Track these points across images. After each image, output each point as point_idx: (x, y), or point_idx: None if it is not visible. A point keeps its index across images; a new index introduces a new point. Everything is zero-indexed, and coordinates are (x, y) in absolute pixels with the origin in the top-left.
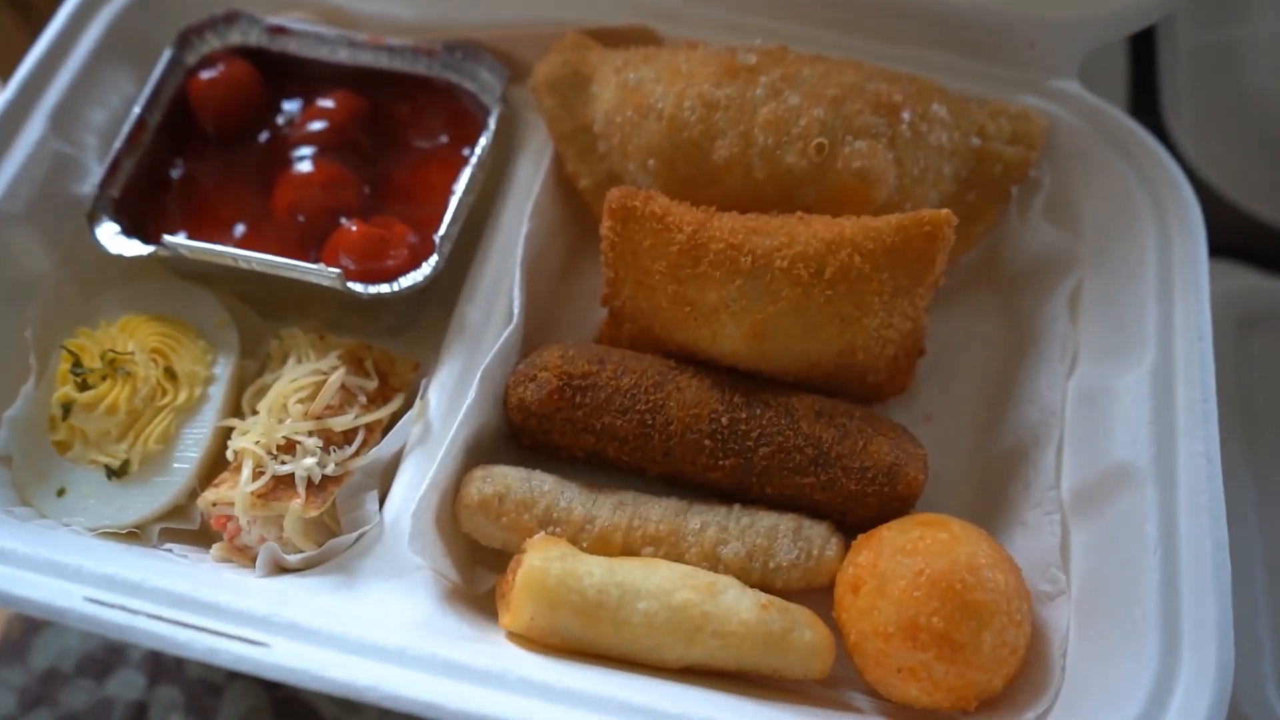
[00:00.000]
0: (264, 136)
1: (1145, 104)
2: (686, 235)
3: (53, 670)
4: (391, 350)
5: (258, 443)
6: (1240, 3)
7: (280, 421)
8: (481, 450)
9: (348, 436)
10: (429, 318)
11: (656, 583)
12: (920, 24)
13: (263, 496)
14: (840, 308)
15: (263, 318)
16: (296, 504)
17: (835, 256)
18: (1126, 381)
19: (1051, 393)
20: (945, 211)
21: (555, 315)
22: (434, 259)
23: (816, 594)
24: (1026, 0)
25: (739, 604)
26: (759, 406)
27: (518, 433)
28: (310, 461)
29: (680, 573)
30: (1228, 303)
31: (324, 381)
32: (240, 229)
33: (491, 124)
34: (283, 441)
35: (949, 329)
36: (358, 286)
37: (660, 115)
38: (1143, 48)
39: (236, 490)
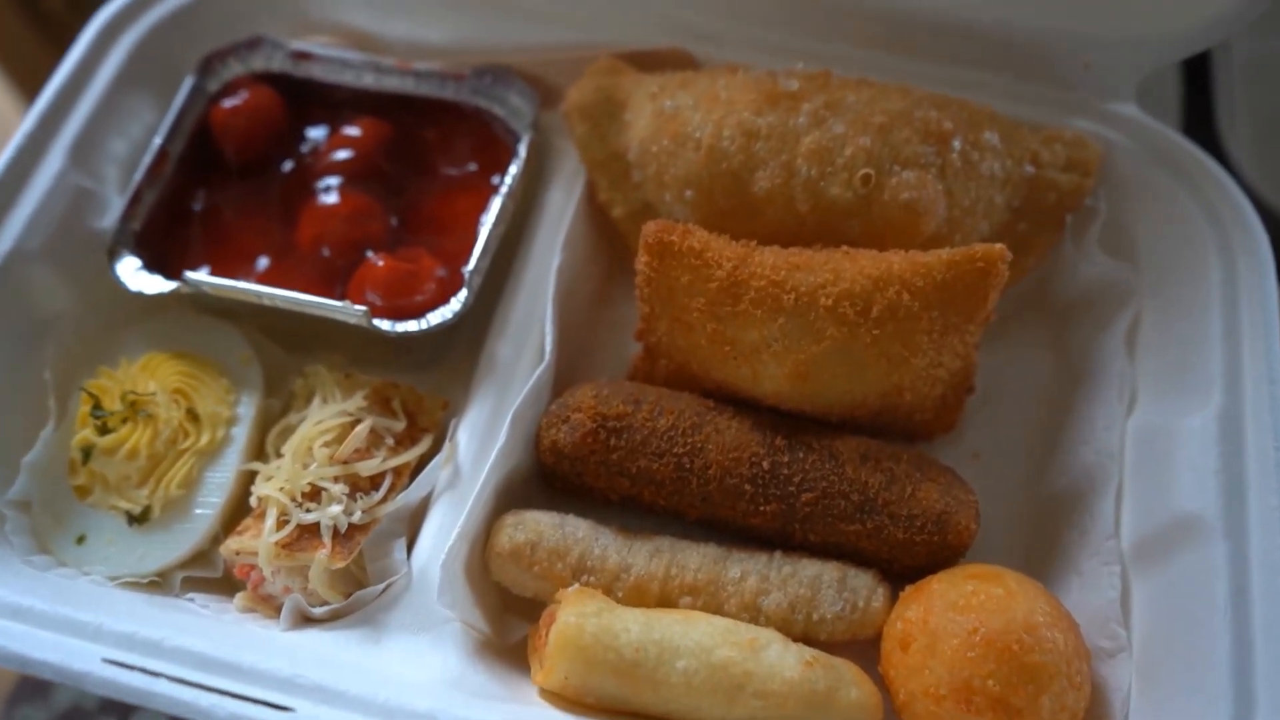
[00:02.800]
0: (288, 166)
1: (1199, 120)
2: (726, 272)
3: (75, 708)
4: (420, 388)
5: (282, 489)
6: None
7: (305, 467)
8: (512, 494)
9: (374, 481)
10: (458, 353)
11: (696, 639)
12: (970, 44)
13: (287, 546)
14: (888, 347)
15: (287, 352)
16: (322, 554)
17: (883, 294)
18: (1191, 425)
19: (1109, 434)
20: (999, 247)
21: (588, 349)
22: (463, 294)
23: (862, 644)
24: (1082, 18)
25: (782, 661)
26: (801, 449)
27: (549, 475)
28: (336, 509)
29: (720, 628)
30: None
31: (350, 424)
32: (264, 262)
33: (522, 151)
34: (307, 488)
35: (998, 361)
36: (385, 324)
37: (698, 145)
38: (1196, 59)
39: (260, 540)
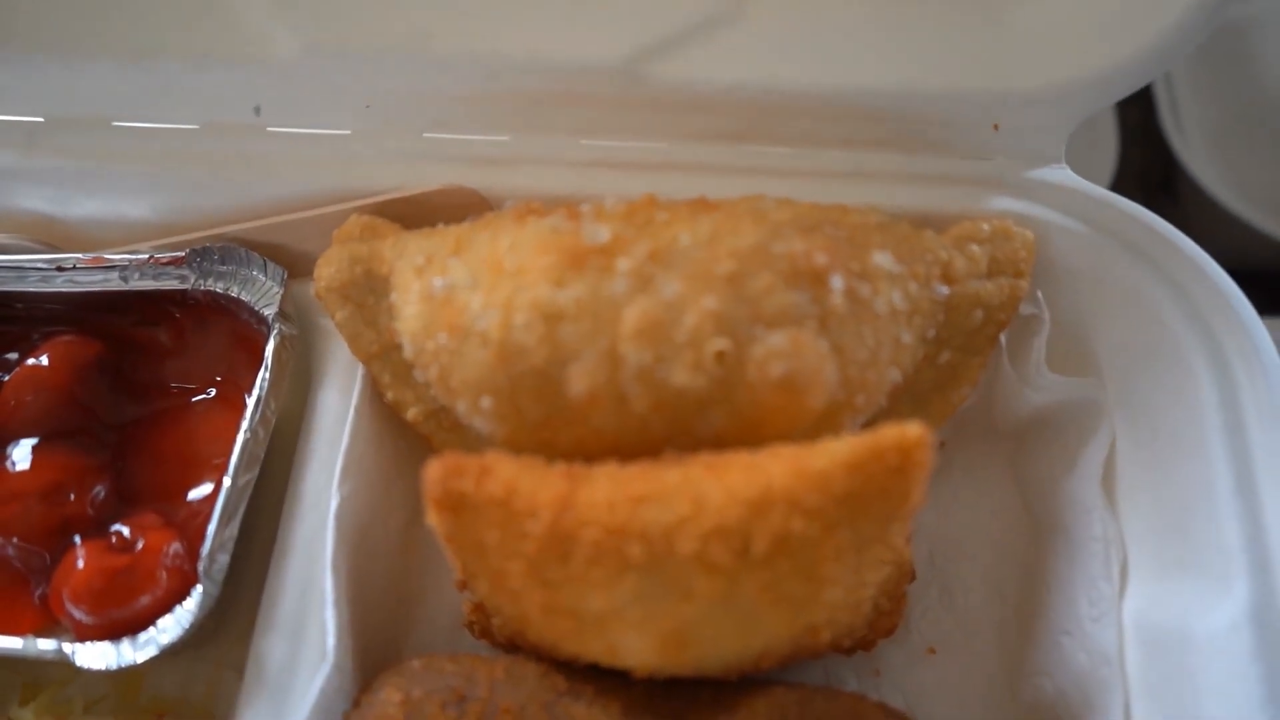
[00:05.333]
0: None
1: (1141, 127)
2: (545, 525)
3: None
4: (184, 678)
5: None
6: None
7: None
8: None
9: None
10: (231, 637)
11: None
12: (842, 120)
13: None
14: (785, 589)
15: (3, 666)
16: None
17: (765, 523)
18: (1212, 626)
19: (1099, 626)
20: (915, 432)
21: (404, 600)
22: (200, 590)
23: None
24: (983, 72)
25: None
26: None
27: None
28: None
29: None
30: None
31: None
32: None
33: (268, 358)
34: None
35: (943, 506)
36: (92, 657)
37: (485, 339)
38: None
39: None
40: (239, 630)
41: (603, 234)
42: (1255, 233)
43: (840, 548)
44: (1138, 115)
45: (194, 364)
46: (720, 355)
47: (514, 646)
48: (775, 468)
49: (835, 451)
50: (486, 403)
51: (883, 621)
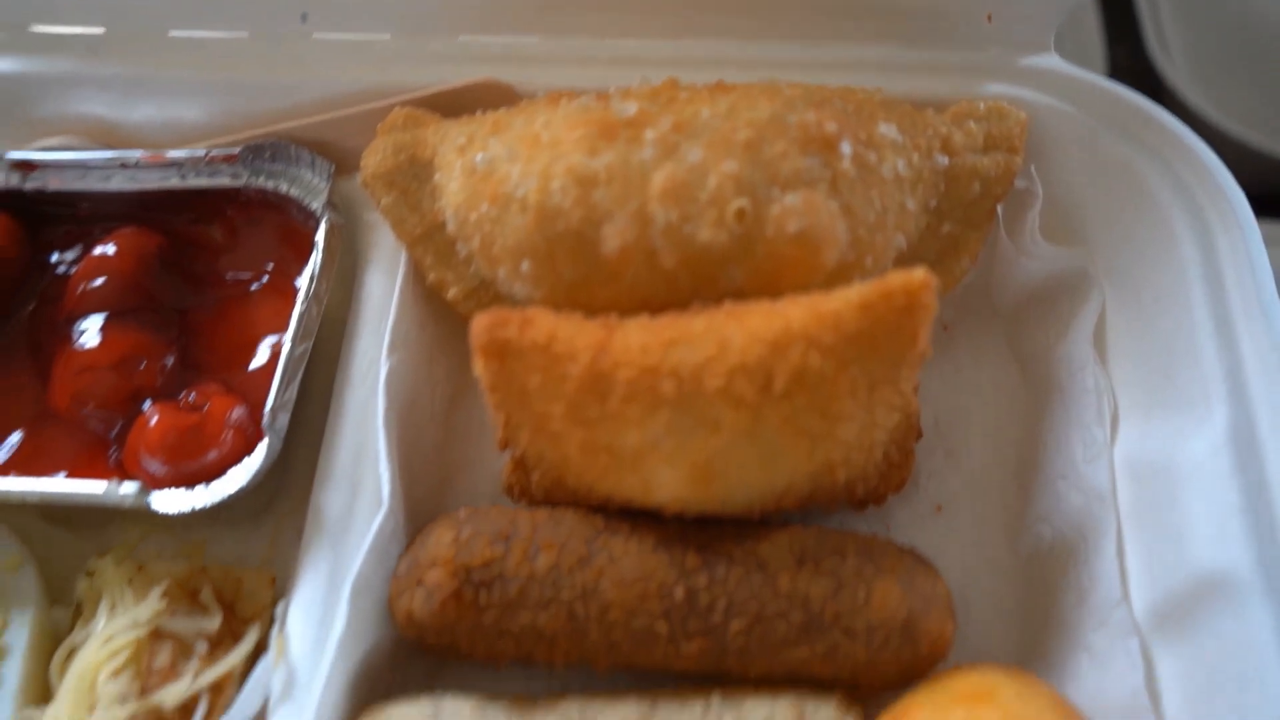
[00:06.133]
0: (30, 306)
1: (1126, 46)
2: (583, 366)
3: None
4: (242, 550)
5: None
6: None
7: (89, 710)
8: (373, 679)
9: (187, 709)
10: (292, 494)
11: None
12: (846, 14)
13: None
14: (804, 423)
15: (78, 536)
16: None
17: (785, 361)
18: (1195, 452)
19: (1093, 468)
20: (920, 275)
21: (448, 464)
22: (266, 443)
23: None
24: None
25: None
26: (721, 565)
27: (418, 644)
28: None
29: None
30: None
31: (147, 637)
32: (15, 437)
33: (319, 241)
34: None
35: (946, 384)
36: (167, 502)
37: (524, 205)
38: None
39: None
40: (295, 499)
41: (630, 109)
42: (1243, 147)
43: (854, 384)
44: (1126, 52)
45: (246, 257)
46: (740, 213)
47: (552, 504)
48: (793, 311)
49: (848, 295)
50: (526, 266)
51: (893, 474)
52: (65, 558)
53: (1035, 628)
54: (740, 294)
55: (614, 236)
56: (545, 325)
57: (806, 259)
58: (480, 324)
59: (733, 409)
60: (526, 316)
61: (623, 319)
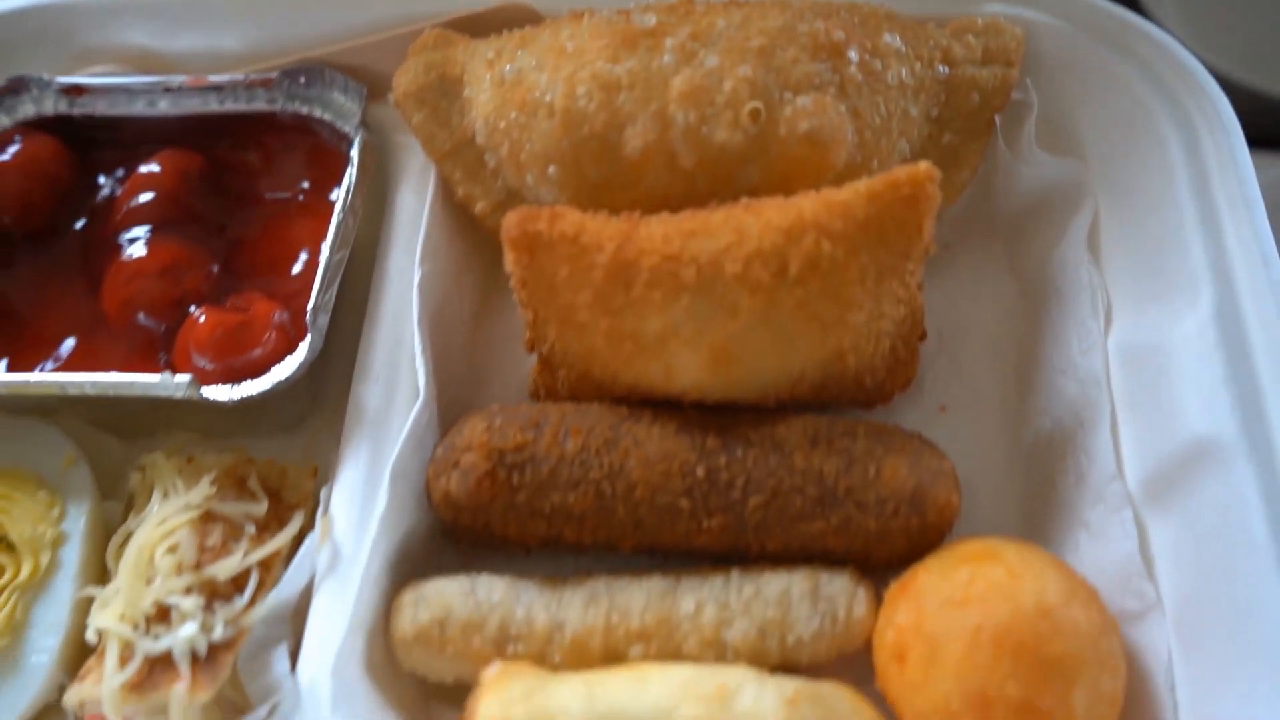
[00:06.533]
0: (81, 223)
1: None
2: (609, 255)
3: None
4: (285, 453)
5: (121, 616)
6: None
7: (147, 583)
8: (411, 562)
9: (237, 583)
10: (327, 403)
11: (652, 702)
12: None
13: (136, 687)
14: (816, 308)
15: (125, 441)
16: (180, 688)
17: (799, 247)
18: (1183, 333)
19: (1089, 358)
20: (925, 166)
21: (476, 373)
22: (308, 339)
23: (851, 658)
24: None
25: (759, 705)
26: (739, 446)
27: (452, 529)
28: (190, 630)
29: (680, 681)
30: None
31: (199, 519)
32: (70, 343)
33: (355, 156)
34: (153, 609)
35: (949, 296)
36: (217, 392)
37: (551, 110)
38: None
39: (103, 684)
40: (330, 407)
41: (650, 20)
42: (1229, 81)
43: (863, 271)
44: None
45: (282, 179)
46: (755, 113)
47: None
48: (805, 203)
49: (856, 186)
50: (553, 170)
51: (900, 371)
52: (115, 462)
53: (1037, 513)
54: (755, 193)
55: (636, 138)
56: (573, 219)
57: (817, 158)
58: (511, 219)
59: (750, 294)
60: (555, 211)
61: (646, 217)
